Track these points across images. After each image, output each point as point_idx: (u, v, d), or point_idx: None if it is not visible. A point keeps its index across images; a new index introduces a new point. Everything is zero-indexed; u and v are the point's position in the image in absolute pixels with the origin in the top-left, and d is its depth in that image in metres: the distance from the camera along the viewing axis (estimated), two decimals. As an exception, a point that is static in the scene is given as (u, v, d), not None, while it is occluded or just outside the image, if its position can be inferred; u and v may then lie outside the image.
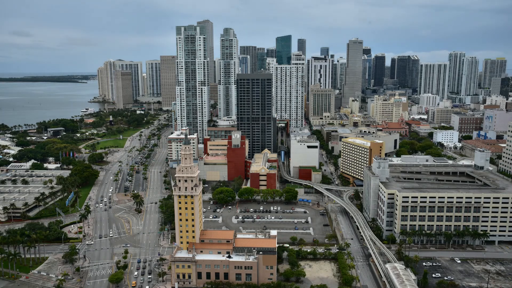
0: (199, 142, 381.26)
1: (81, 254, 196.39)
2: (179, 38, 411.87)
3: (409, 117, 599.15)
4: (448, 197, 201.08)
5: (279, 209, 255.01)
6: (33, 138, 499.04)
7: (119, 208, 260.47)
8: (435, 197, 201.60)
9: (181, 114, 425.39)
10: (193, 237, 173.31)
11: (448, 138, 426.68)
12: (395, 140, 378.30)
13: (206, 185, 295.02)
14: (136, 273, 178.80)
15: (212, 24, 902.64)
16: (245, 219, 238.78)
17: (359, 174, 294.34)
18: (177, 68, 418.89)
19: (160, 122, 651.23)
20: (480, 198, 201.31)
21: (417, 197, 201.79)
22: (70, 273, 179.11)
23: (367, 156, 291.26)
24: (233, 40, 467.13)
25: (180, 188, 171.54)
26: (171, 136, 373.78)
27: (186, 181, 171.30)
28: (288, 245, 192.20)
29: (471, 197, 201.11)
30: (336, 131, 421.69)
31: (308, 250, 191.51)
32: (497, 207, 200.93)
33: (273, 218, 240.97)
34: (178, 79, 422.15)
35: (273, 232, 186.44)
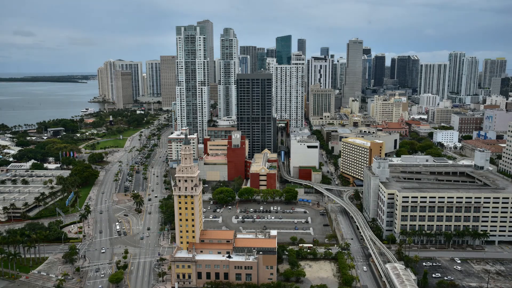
0: (199, 142, 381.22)
1: (81, 253, 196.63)
2: (179, 38, 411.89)
3: (409, 117, 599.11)
4: (448, 197, 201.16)
5: (279, 209, 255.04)
6: (33, 138, 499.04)
7: (119, 208, 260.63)
8: (435, 197, 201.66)
9: (181, 114, 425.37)
10: (193, 237, 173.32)
11: (448, 138, 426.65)
12: (395, 140, 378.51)
13: (206, 185, 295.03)
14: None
15: (212, 24, 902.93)
16: (245, 219, 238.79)
17: (359, 174, 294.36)
18: (177, 68, 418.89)
19: (160, 122, 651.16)
20: (480, 198, 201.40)
21: (417, 197, 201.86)
22: (70, 273, 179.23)
23: (367, 156, 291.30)
24: (233, 40, 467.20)
25: (180, 188, 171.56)
26: (171, 136, 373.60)
27: (186, 181, 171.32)
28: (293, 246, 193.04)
29: (471, 197, 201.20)
30: (336, 131, 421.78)
31: (308, 250, 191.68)
32: (497, 207, 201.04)
33: (273, 218, 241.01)
34: (178, 79, 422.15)
35: (273, 232, 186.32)
